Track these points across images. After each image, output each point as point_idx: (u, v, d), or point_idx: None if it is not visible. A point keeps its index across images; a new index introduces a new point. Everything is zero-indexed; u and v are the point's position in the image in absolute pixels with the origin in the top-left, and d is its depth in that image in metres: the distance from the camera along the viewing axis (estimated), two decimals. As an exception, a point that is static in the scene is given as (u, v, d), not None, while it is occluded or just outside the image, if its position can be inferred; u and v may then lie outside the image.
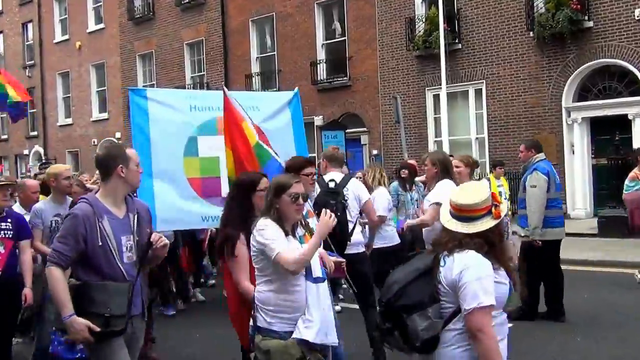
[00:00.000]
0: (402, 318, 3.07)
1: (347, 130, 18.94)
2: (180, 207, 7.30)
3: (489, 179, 10.94)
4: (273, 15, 23.03)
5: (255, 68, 23.86)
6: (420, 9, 19.15)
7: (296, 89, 8.38)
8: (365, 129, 20.69)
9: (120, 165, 3.92)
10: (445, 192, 6.29)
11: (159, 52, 27.15)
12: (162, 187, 7.35)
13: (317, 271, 3.88)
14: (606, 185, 15.27)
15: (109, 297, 3.76)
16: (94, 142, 30.09)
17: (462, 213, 3.11)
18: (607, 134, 15.83)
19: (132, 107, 7.66)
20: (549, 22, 15.94)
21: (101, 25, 30.07)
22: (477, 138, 18.21)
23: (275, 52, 23.18)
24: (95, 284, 3.79)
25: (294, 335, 3.69)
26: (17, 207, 6.82)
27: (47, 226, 6.31)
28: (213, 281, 10.92)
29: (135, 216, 4.00)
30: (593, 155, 16.37)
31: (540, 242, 7.40)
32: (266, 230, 3.78)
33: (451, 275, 2.98)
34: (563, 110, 16.39)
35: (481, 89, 17.93)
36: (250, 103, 7.70)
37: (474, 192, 3.15)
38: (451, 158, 7.21)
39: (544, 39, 16.23)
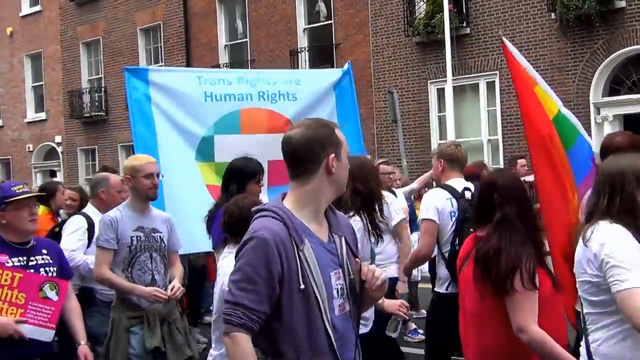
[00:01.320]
0: None
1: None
2: (199, 223, 6.03)
3: None
4: (245, -5, 22.94)
5: (223, 58, 23.70)
6: (420, -13, 19.15)
7: (347, 63, 8.02)
8: (355, 129, 20.55)
9: (333, 154, 2.98)
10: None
11: (107, 39, 26.89)
12: (174, 195, 6.74)
13: None
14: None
15: None
16: (29, 148, 29.76)
17: None
18: (643, 134, 15.83)
19: (130, 92, 7.06)
20: (573, 2, 15.88)
21: (37, 8, 29.75)
22: (489, 140, 18.16)
23: (247, 39, 23.02)
24: None
25: None
26: (93, 213, 6.07)
27: (124, 244, 5.30)
28: None
29: (343, 239, 3.09)
30: (627, 160, 16.33)
31: None
32: (620, 243, 3.05)
33: None
34: (591, 106, 16.35)
35: (494, 81, 17.87)
36: (285, 89, 7.37)
37: None
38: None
39: (568, 21, 16.19)
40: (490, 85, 18.03)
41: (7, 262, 4.52)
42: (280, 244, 2.82)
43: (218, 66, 23.40)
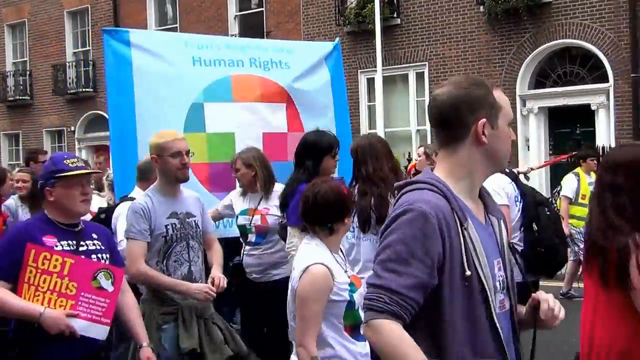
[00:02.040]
0: None
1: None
2: None
3: (577, 175, 10.44)
4: (175, -20, 22.62)
5: (153, 43, 23.33)
6: (352, -23, 19.13)
7: (337, 39, 7.80)
8: (286, 118, 20.51)
9: (484, 119, 2.47)
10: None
11: (33, 21, 26.29)
12: None
13: None
14: (566, 186, 15.54)
15: None
16: (-50, 133, 28.94)
17: None
18: (567, 126, 16.13)
19: (107, 56, 6.53)
20: (501, -5, 16.14)
21: (-40, -13, 28.91)
22: (418, 130, 18.26)
23: (177, 25, 22.75)
24: None
25: None
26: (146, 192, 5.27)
27: (159, 234, 4.67)
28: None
29: (502, 223, 2.63)
30: (551, 152, 16.62)
31: None
32: None
33: None
34: (517, 98, 16.55)
35: (423, 72, 17.99)
36: (277, 57, 7.07)
37: None
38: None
39: (496, 14, 16.37)
40: (420, 76, 18.14)
41: (56, 246, 3.84)
42: (442, 220, 2.33)
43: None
